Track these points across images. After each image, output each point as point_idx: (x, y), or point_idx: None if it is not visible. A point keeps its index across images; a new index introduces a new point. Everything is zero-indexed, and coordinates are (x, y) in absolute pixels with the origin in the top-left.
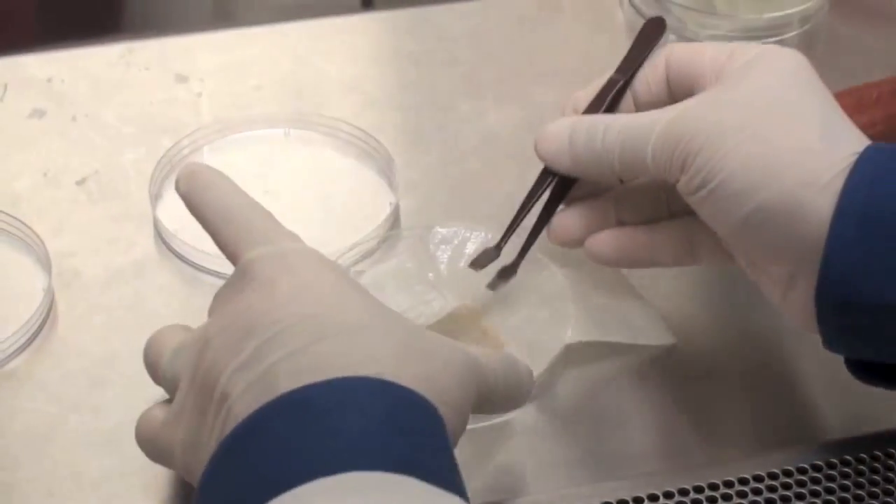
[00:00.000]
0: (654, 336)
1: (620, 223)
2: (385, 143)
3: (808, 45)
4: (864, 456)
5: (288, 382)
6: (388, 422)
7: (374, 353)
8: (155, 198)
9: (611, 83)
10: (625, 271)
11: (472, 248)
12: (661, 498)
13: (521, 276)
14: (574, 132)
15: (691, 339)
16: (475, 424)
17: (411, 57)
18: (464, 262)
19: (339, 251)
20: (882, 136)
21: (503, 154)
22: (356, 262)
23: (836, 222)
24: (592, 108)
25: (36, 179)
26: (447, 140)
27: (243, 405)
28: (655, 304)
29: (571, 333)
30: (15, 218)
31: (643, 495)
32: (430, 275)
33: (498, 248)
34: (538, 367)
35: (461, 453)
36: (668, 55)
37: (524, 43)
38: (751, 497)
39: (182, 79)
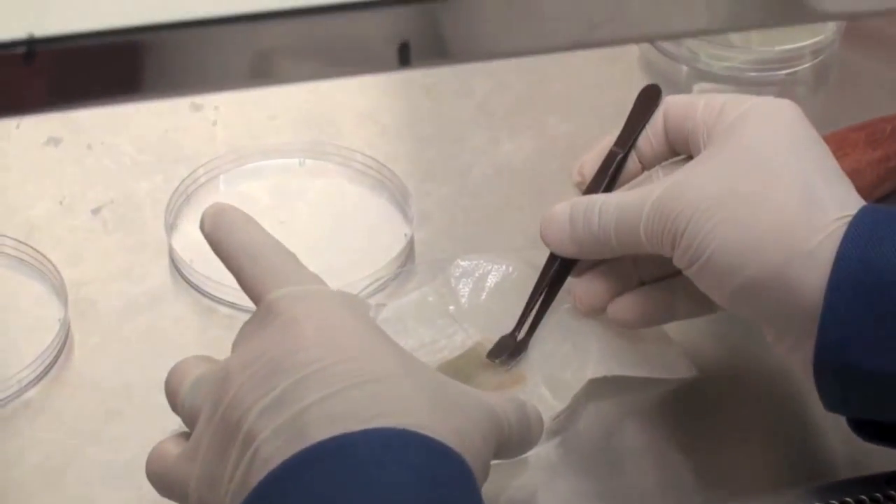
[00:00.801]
0: (676, 369)
1: (641, 282)
2: (399, 174)
3: (821, 77)
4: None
5: (321, 429)
6: (426, 476)
7: (408, 404)
8: (171, 227)
9: (611, 156)
10: None
11: (492, 281)
12: None
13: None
14: (573, 215)
15: (708, 373)
16: (495, 460)
17: (424, 87)
18: (485, 295)
19: (353, 283)
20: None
21: (517, 185)
22: (371, 295)
23: (830, 293)
24: (595, 182)
25: (51, 208)
26: (461, 171)
27: (272, 448)
28: (678, 335)
29: (594, 368)
30: (30, 246)
31: None
32: (452, 308)
33: (514, 336)
34: (561, 403)
35: (484, 489)
36: (665, 111)
37: (537, 73)
38: None
39: (197, 107)
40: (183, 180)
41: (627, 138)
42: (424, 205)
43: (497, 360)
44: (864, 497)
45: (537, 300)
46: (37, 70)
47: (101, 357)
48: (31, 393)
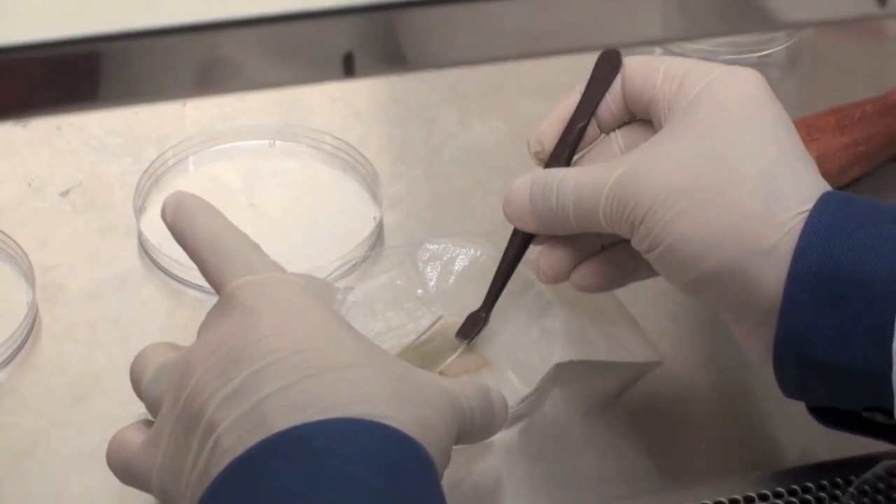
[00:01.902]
0: (641, 354)
1: (602, 247)
2: (369, 156)
3: (793, 60)
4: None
5: (281, 420)
6: (385, 465)
7: (369, 393)
8: (139, 210)
9: (571, 125)
10: None
11: (460, 265)
12: None
13: (509, 296)
14: (533, 192)
15: (673, 357)
16: (459, 444)
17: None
18: (453, 279)
19: (322, 266)
20: (864, 156)
21: (488, 168)
22: (341, 278)
23: (789, 287)
24: (556, 154)
25: (20, 190)
26: (432, 153)
27: (233, 438)
28: (644, 320)
29: (560, 353)
30: None
31: None
32: (420, 291)
33: (482, 313)
34: (527, 386)
35: (451, 473)
36: (624, 78)
37: None
38: None
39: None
40: (152, 162)
41: (588, 107)
42: (395, 187)
43: (466, 339)
44: (810, 485)
45: (506, 278)
46: None
47: (68, 341)
48: None
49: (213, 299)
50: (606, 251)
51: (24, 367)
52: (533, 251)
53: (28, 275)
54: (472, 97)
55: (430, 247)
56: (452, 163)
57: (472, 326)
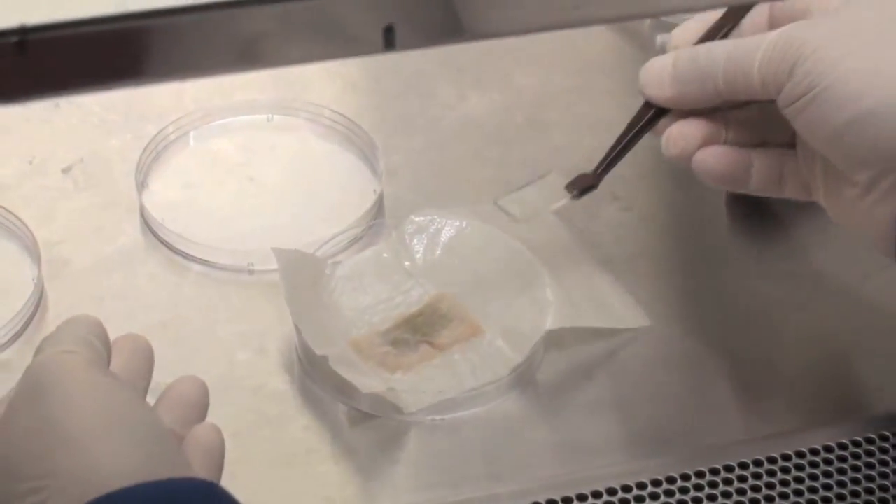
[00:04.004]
0: (631, 319)
1: (725, 143)
2: (367, 129)
3: None
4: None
5: None
6: None
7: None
8: (141, 186)
9: (716, 28)
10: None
11: (447, 236)
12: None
13: (498, 264)
14: (677, 57)
15: (662, 324)
16: (453, 414)
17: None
18: (440, 251)
19: (322, 239)
20: None
21: (484, 138)
22: (341, 251)
23: None
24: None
25: (21, 168)
26: (429, 125)
27: None
28: (634, 286)
29: (551, 320)
30: (2, 207)
31: (632, 483)
32: (407, 264)
33: (595, 175)
34: (519, 355)
35: (446, 444)
36: None
37: None
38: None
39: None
40: (152, 138)
41: (736, 13)
42: (393, 159)
43: (573, 192)
44: (803, 449)
45: (624, 147)
46: (30, 59)
47: None
48: (6, 354)
49: (218, 274)
50: (731, 139)
51: (32, 343)
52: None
53: (33, 251)
54: (467, 69)
55: (417, 219)
56: (450, 134)
57: (583, 182)
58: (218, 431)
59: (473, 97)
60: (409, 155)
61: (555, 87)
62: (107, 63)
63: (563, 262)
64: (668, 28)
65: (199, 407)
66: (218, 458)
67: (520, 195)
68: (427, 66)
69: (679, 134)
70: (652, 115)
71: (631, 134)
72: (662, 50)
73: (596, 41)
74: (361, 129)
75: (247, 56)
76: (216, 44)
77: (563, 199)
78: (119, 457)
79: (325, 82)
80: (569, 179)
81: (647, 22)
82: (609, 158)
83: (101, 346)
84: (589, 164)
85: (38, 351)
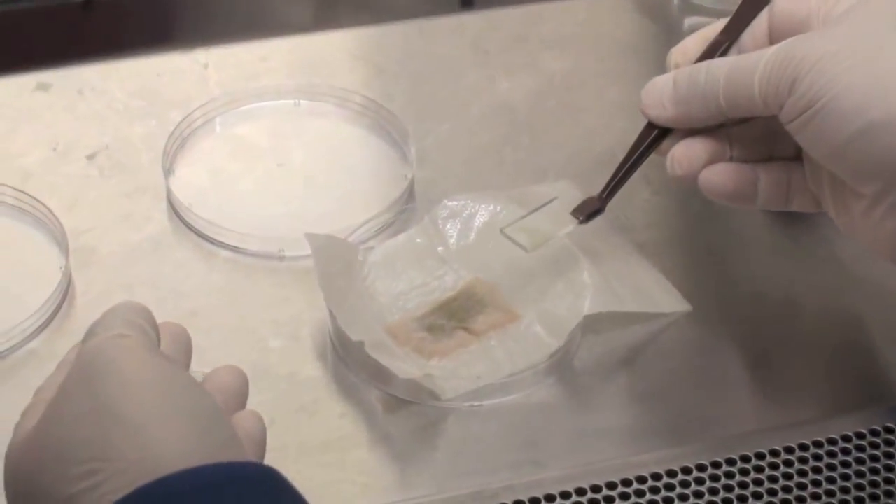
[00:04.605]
0: (670, 304)
1: (730, 160)
2: (395, 115)
3: None
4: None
5: None
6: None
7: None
8: (168, 172)
9: (717, 44)
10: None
11: (480, 221)
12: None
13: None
14: (677, 77)
15: (702, 306)
16: (491, 400)
17: (417, 26)
18: (474, 236)
19: (353, 226)
20: None
21: (516, 123)
22: (372, 237)
23: None
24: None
25: (45, 154)
26: (458, 110)
27: None
28: (668, 270)
29: (590, 304)
30: (29, 195)
31: (676, 468)
32: (440, 249)
33: (600, 197)
34: (557, 340)
35: (482, 430)
36: (773, 6)
37: (529, 11)
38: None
39: (187, 50)
40: (178, 124)
41: (735, 29)
42: (422, 145)
43: (580, 218)
44: (834, 436)
45: (629, 170)
46: (94, 18)
47: (103, 305)
48: (35, 343)
49: (248, 260)
50: (736, 156)
51: (60, 332)
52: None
53: (60, 240)
54: (494, 52)
55: (450, 203)
56: (480, 119)
57: (589, 207)
58: (260, 419)
59: (503, 81)
60: (439, 139)
61: (585, 70)
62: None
63: (599, 246)
64: (696, 10)
65: (240, 396)
66: (261, 445)
67: (526, 223)
68: (455, 51)
69: (683, 154)
70: (655, 136)
71: (635, 156)
72: (691, 31)
73: (624, 24)
74: (392, 113)
75: (327, 13)
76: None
77: (571, 225)
78: (178, 439)
79: (351, 67)
80: (574, 205)
81: (675, 3)
82: (614, 182)
83: (151, 330)
84: (621, 148)
85: (90, 335)
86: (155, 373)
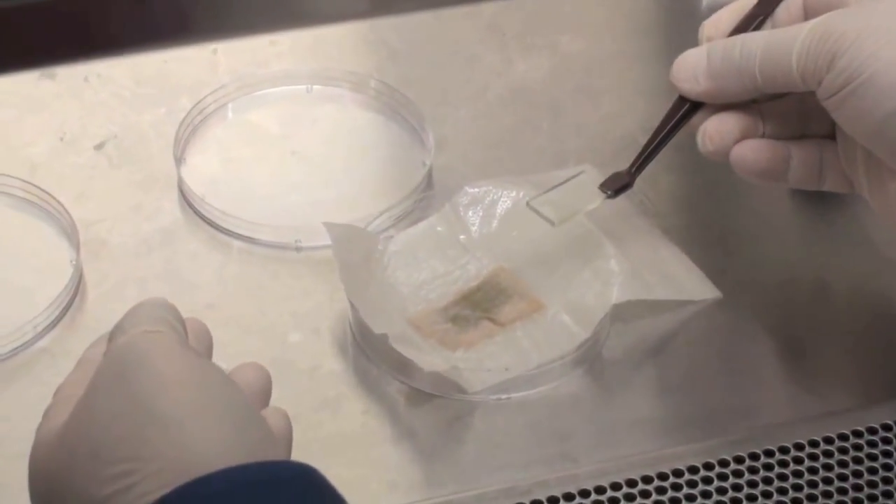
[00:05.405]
0: (700, 291)
1: (763, 136)
2: (411, 99)
3: None
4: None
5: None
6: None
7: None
8: (179, 161)
9: (751, 17)
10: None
11: (503, 208)
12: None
13: (558, 235)
14: (711, 50)
15: (733, 293)
16: (518, 393)
17: (431, 8)
18: (497, 223)
19: (371, 215)
20: None
21: (535, 106)
22: (391, 226)
23: None
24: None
25: (52, 144)
26: (476, 94)
27: None
28: (696, 256)
29: (618, 293)
30: (35, 185)
31: (713, 461)
32: (462, 237)
33: (629, 172)
34: (585, 330)
35: (510, 424)
36: None
37: None
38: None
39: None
40: (189, 111)
41: (770, 2)
42: (440, 130)
43: (608, 192)
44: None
45: (659, 145)
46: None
47: (116, 299)
48: (48, 338)
49: (262, 251)
50: (769, 132)
51: (73, 328)
52: None
53: (70, 232)
54: (511, 35)
55: (471, 190)
56: (498, 102)
57: (618, 181)
58: (286, 417)
59: (520, 64)
60: (457, 125)
61: (603, 51)
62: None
63: (626, 232)
64: None
65: (264, 393)
66: (287, 444)
67: (552, 196)
68: (470, 33)
69: (715, 129)
70: (686, 110)
71: (665, 130)
72: (709, 11)
73: (643, 4)
74: (407, 98)
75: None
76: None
77: (598, 200)
78: (217, 437)
79: (364, 51)
80: (602, 175)
81: None
82: (644, 156)
83: (180, 326)
84: (643, 132)
85: (119, 332)
86: (190, 369)
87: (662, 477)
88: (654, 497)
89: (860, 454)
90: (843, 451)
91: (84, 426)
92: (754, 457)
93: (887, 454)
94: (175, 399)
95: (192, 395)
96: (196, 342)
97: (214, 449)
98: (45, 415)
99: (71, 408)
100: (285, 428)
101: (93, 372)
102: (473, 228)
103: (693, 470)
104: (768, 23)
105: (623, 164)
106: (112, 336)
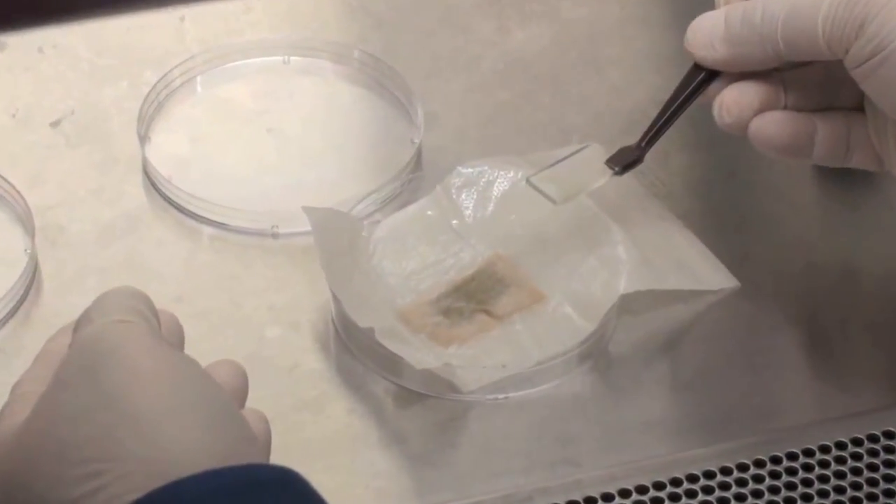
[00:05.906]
0: (716, 280)
1: (785, 108)
2: (399, 72)
3: None
4: None
5: None
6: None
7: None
8: (144, 140)
9: None
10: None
11: (499, 190)
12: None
13: (560, 220)
14: (729, 13)
15: (751, 282)
16: (517, 392)
17: None
18: (493, 207)
19: (354, 197)
20: None
21: (534, 79)
22: (377, 210)
23: None
24: None
25: (3, 122)
26: (469, 65)
27: None
28: (711, 242)
29: (626, 282)
30: None
31: (731, 465)
32: (455, 222)
33: (638, 146)
34: (590, 323)
35: (509, 426)
36: None
37: None
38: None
39: (161, 1)
40: (154, 85)
41: None
42: (430, 105)
43: (615, 169)
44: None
45: (671, 116)
46: None
47: (75, 292)
48: (2, 334)
49: (235, 237)
50: (791, 103)
51: (28, 322)
52: None
53: (25, 219)
54: (508, 1)
55: (464, 170)
56: (493, 75)
57: (626, 156)
58: (264, 419)
59: (517, 32)
60: (449, 99)
61: (609, 18)
62: None
63: (635, 216)
64: None
65: (239, 394)
66: (267, 447)
67: (554, 172)
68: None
69: (733, 99)
70: (701, 79)
71: (678, 101)
72: None
73: None
74: (394, 70)
75: None
76: None
77: (605, 176)
78: (192, 437)
79: (346, 19)
80: (609, 153)
81: None
82: (654, 129)
83: (152, 317)
84: (652, 105)
85: (85, 321)
86: (165, 362)
87: (676, 483)
88: None
89: (891, 457)
90: (872, 453)
91: (48, 424)
92: (776, 460)
93: None
94: (149, 395)
95: (167, 391)
96: (168, 336)
97: (190, 449)
98: (1, 414)
99: (31, 405)
100: (264, 431)
101: (56, 365)
102: (467, 212)
103: (709, 475)
104: None
105: (632, 141)
106: (78, 326)
